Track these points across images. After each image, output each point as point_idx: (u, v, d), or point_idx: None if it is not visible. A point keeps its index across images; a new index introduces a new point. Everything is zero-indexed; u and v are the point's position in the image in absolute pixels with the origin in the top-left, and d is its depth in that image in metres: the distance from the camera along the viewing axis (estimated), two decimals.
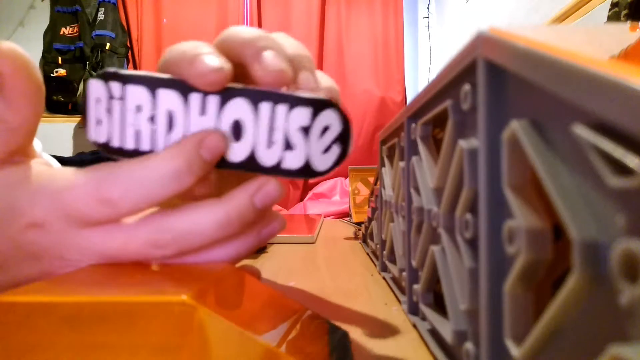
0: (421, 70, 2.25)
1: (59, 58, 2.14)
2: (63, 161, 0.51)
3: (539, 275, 0.12)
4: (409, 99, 2.17)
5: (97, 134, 0.21)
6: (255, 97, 0.20)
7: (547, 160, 0.12)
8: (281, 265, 0.43)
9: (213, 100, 0.20)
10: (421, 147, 0.24)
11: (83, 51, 2.12)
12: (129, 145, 0.20)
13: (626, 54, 0.13)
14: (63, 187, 0.19)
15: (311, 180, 2.03)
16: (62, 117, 2.19)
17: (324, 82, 0.21)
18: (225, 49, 0.20)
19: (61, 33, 2.15)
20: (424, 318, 0.24)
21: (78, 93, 2.08)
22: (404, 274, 0.28)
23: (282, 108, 0.20)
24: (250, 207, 0.20)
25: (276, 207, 1.49)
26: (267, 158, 0.20)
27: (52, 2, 2.15)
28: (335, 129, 0.20)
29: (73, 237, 0.19)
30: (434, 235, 0.22)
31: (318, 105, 0.20)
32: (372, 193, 0.48)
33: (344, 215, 1.30)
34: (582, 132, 0.10)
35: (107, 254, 0.19)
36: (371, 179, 0.81)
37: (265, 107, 0.20)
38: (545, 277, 0.12)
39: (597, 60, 0.09)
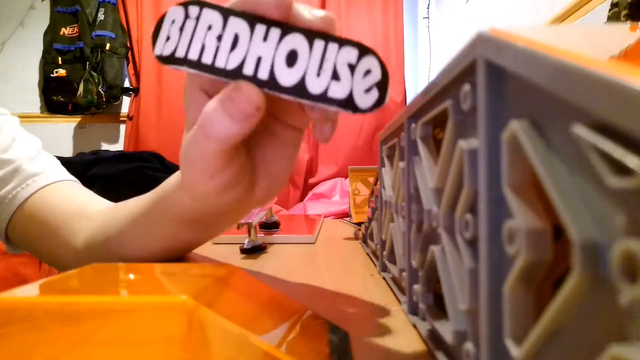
0: (421, 70, 2.24)
1: (59, 58, 2.14)
2: (63, 161, 0.51)
3: (539, 276, 0.12)
4: (409, 99, 2.17)
5: (164, 48, 0.24)
6: (311, 34, 0.23)
7: (547, 161, 0.12)
8: (281, 266, 0.43)
9: (275, 32, 0.22)
10: (421, 147, 0.24)
11: (83, 51, 2.12)
12: (193, 56, 0.23)
13: (626, 54, 0.13)
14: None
15: (311, 180, 2.03)
16: (62, 117, 2.19)
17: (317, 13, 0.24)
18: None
19: (61, 33, 2.15)
20: (424, 318, 0.24)
21: (78, 93, 2.08)
22: (404, 274, 0.28)
23: (333, 45, 0.22)
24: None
25: (276, 208, 1.49)
26: (315, 85, 0.22)
27: (52, 2, 2.15)
28: (376, 75, 0.22)
29: None
30: (434, 235, 0.22)
31: (363, 49, 0.22)
32: (372, 193, 0.48)
33: (344, 215, 1.31)
34: (582, 132, 0.10)
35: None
36: (371, 179, 0.81)
37: (318, 42, 0.22)
38: (545, 277, 0.12)
39: (597, 61, 0.09)
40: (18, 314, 0.14)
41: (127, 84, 2.20)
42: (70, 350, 0.13)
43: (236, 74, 0.22)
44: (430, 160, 0.23)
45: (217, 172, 0.25)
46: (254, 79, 0.22)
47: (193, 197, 0.29)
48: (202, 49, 0.23)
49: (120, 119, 2.25)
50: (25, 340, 0.13)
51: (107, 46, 2.09)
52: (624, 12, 0.71)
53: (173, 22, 0.23)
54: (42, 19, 2.16)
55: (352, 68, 0.22)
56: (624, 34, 0.17)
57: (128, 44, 2.18)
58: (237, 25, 0.23)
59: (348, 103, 0.22)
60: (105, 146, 2.23)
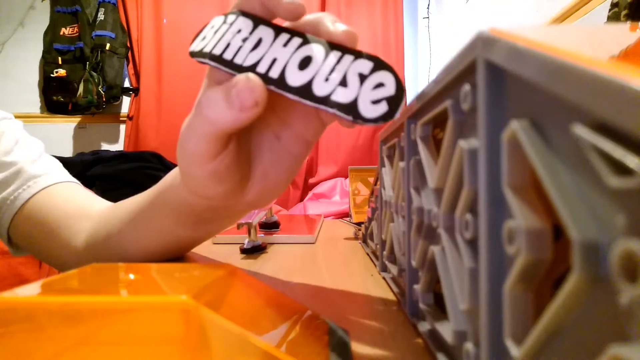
0: (421, 70, 2.24)
1: (59, 58, 2.14)
2: (63, 161, 0.51)
3: (539, 276, 0.12)
4: (409, 99, 2.16)
5: (197, 46, 0.27)
6: (330, 45, 0.24)
7: (547, 160, 0.12)
8: (281, 266, 0.43)
9: (296, 40, 0.24)
10: (421, 147, 0.24)
11: (83, 51, 2.12)
12: (217, 51, 0.25)
13: (626, 54, 0.13)
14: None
15: (311, 180, 2.03)
16: (62, 117, 2.20)
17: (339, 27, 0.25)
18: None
19: (61, 33, 2.15)
20: (424, 318, 0.24)
21: (78, 93, 2.08)
22: (404, 274, 0.28)
23: (348, 57, 0.23)
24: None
25: (276, 208, 1.49)
26: (321, 88, 0.23)
27: (52, 2, 2.15)
28: (389, 89, 0.22)
29: None
30: (434, 235, 0.22)
31: (379, 64, 0.23)
32: (372, 193, 0.48)
33: (344, 215, 1.31)
34: (582, 132, 0.10)
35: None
36: (371, 179, 0.81)
37: (335, 53, 0.23)
38: (545, 277, 0.12)
39: (597, 61, 0.09)
40: (18, 313, 0.14)
41: (127, 84, 2.20)
42: (70, 350, 0.13)
43: (250, 70, 0.24)
44: (430, 160, 0.23)
45: (209, 158, 0.25)
46: (264, 76, 0.23)
47: (188, 187, 0.29)
48: (227, 47, 0.25)
49: (120, 119, 2.25)
50: (26, 340, 0.13)
51: (107, 46, 2.09)
52: (624, 12, 0.72)
53: (212, 27, 0.27)
54: (42, 19, 2.16)
55: (362, 78, 0.22)
56: (624, 34, 0.17)
57: (128, 44, 2.18)
58: (264, 31, 0.25)
59: (350, 108, 0.22)
60: (105, 146, 2.23)
